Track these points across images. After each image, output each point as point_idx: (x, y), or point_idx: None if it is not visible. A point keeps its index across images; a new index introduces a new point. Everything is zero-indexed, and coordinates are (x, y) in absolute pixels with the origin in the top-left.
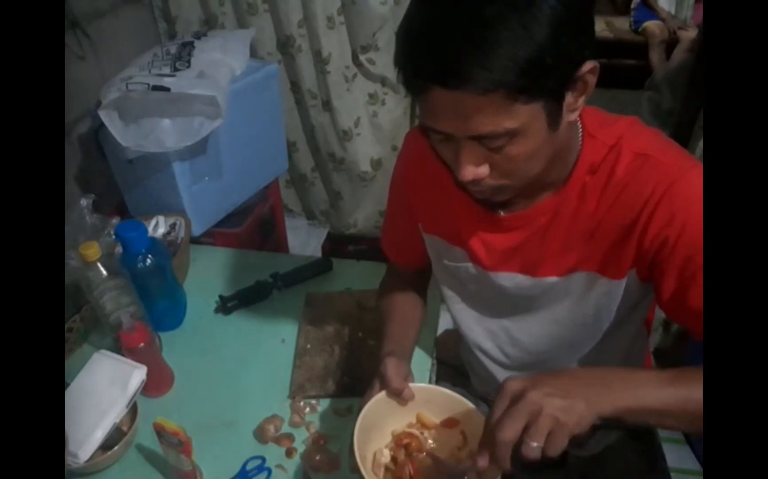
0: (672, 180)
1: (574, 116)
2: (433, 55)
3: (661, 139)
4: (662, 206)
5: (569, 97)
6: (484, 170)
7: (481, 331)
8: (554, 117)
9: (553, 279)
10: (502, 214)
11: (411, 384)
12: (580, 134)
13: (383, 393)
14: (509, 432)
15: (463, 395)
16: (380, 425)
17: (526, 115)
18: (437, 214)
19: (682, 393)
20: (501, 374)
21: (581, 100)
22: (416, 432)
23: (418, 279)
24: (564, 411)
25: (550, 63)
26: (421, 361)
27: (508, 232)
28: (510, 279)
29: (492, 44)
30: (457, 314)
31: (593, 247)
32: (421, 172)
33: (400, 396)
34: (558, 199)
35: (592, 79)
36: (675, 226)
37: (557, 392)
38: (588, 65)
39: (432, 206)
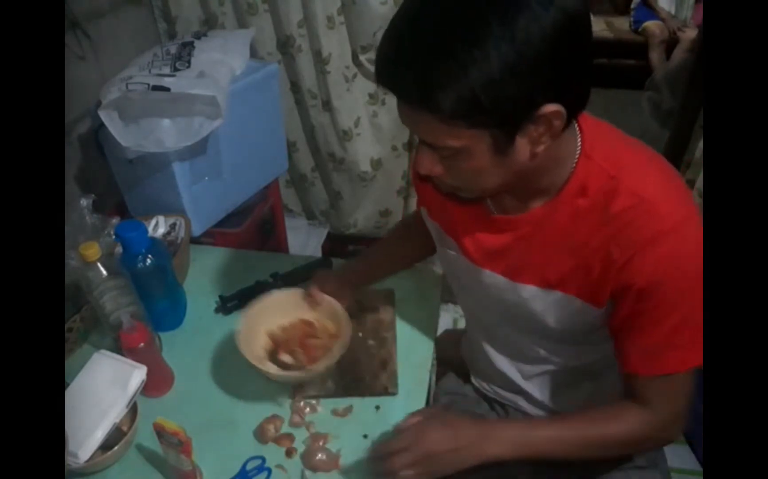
0: (661, 231)
1: (540, 148)
2: (386, 65)
3: (665, 178)
4: (644, 254)
5: (532, 132)
6: (437, 169)
7: (477, 322)
8: (502, 145)
9: (532, 288)
10: (495, 214)
11: (314, 291)
12: (578, 152)
13: (273, 295)
14: (394, 466)
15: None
16: (270, 320)
17: (468, 137)
18: (438, 202)
19: (565, 439)
20: (501, 362)
21: (546, 137)
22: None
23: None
24: (437, 471)
25: (485, 103)
26: (422, 361)
27: (496, 233)
28: (492, 279)
29: (430, 72)
30: (458, 298)
31: (576, 271)
32: None
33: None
34: (547, 211)
35: (558, 123)
36: (645, 274)
37: (442, 453)
38: (550, 107)
39: (435, 194)
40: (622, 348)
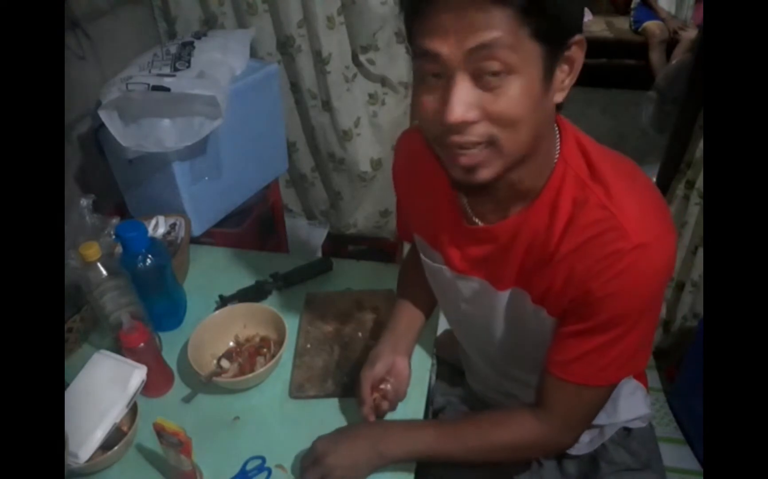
0: (622, 249)
1: (561, 97)
2: None
3: (643, 197)
4: (603, 269)
5: (559, 73)
6: (473, 114)
7: (459, 332)
8: (548, 76)
9: (506, 293)
10: (480, 224)
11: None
12: (557, 154)
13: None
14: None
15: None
16: (215, 340)
17: (526, 51)
18: (422, 215)
19: (449, 443)
20: (488, 371)
21: (569, 81)
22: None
23: None
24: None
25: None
26: (422, 360)
27: (479, 244)
28: (478, 284)
29: None
30: (442, 310)
31: (543, 279)
32: (410, 173)
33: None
34: (523, 217)
35: (580, 56)
36: (598, 289)
37: (344, 466)
38: (577, 36)
39: (418, 207)
40: (552, 345)
